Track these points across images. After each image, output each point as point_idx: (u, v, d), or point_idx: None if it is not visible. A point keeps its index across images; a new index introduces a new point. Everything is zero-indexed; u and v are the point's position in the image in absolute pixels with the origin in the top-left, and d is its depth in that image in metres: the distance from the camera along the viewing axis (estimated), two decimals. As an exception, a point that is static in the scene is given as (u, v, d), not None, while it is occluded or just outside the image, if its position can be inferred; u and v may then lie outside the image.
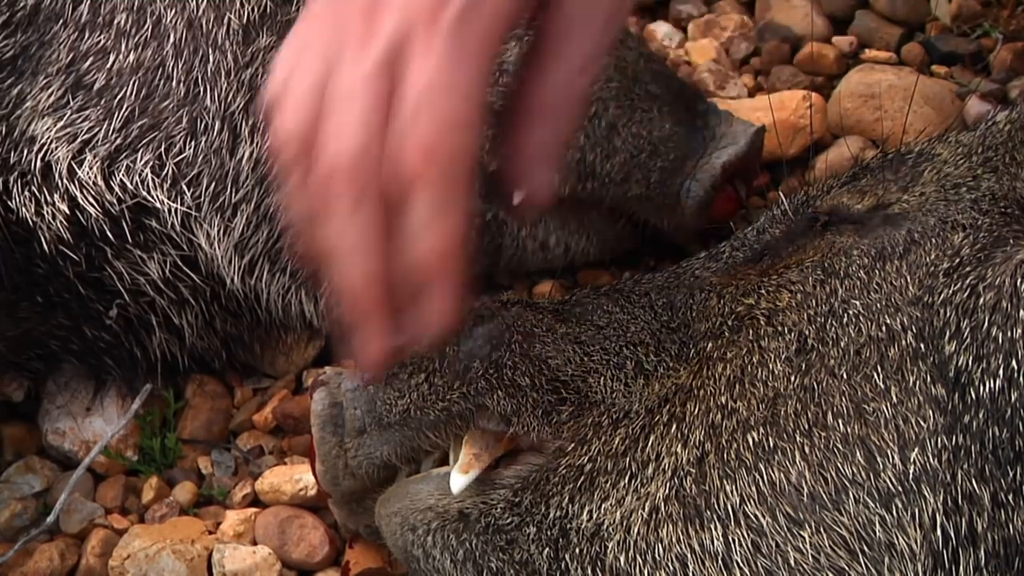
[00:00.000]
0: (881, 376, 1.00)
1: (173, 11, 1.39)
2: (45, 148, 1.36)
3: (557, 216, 1.49)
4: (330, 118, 1.04)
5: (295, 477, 1.37)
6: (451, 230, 1.02)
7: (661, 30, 1.82)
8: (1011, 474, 0.95)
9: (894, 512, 0.96)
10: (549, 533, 1.07)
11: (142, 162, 1.37)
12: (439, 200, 1.01)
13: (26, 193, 1.36)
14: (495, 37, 1.06)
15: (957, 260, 1.05)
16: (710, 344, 1.11)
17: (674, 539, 1.01)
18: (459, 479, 1.13)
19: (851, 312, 1.05)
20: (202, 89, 1.38)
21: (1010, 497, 0.94)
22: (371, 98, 1.03)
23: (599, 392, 1.12)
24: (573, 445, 1.10)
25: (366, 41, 1.05)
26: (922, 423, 0.97)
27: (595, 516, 1.05)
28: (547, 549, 1.07)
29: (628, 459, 1.06)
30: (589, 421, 1.10)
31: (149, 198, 1.37)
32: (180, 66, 1.38)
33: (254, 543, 1.35)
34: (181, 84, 1.38)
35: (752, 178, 1.55)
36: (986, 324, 0.99)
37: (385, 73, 1.03)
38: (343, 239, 1.02)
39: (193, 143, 1.38)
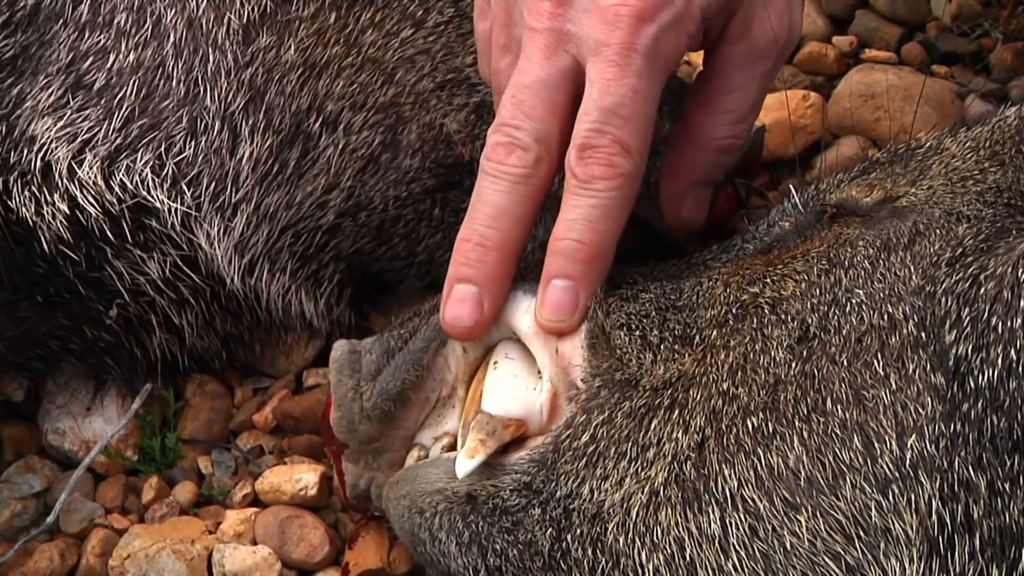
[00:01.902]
0: (881, 364, 1.00)
1: (173, 11, 1.39)
2: (45, 148, 1.36)
3: (556, 216, 1.49)
4: (510, 101, 1.20)
5: (295, 477, 1.37)
6: (605, 234, 1.18)
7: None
8: (1008, 463, 0.94)
9: (891, 498, 0.96)
10: (553, 514, 1.08)
11: (142, 162, 1.37)
12: (607, 206, 1.17)
13: (26, 193, 1.36)
14: (671, 68, 1.22)
15: (960, 250, 1.05)
16: (715, 332, 1.11)
17: (672, 522, 1.01)
18: (465, 463, 1.13)
19: (854, 301, 1.05)
20: (202, 89, 1.38)
21: (1007, 486, 0.94)
22: (556, 95, 1.19)
23: (617, 345, 1.13)
24: (579, 425, 1.11)
25: (555, 35, 1.20)
26: (921, 410, 0.97)
27: (596, 497, 1.06)
28: (550, 530, 1.08)
29: (630, 442, 1.07)
30: (595, 403, 1.11)
31: (149, 198, 1.37)
32: (180, 66, 1.39)
33: (254, 543, 1.34)
34: (181, 84, 1.39)
35: (753, 178, 1.55)
36: (987, 313, 0.99)
37: (571, 77, 1.19)
38: (493, 199, 1.19)
39: (193, 143, 1.38)
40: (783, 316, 1.08)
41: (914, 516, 0.95)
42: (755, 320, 1.09)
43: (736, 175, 1.50)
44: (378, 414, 1.22)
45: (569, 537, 1.06)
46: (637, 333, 1.14)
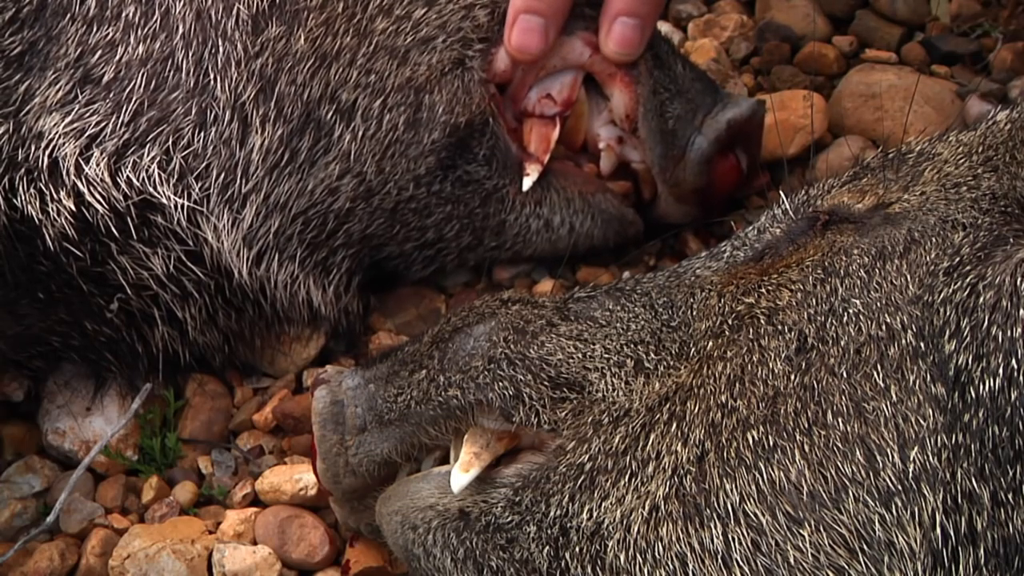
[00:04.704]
0: (881, 375, 1.00)
1: (182, 2, 1.40)
2: (52, 144, 1.36)
3: (562, 194, 1.50)
4: None
5: (295, 477, 1.37)
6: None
7: (661, 29, 1.82)
8: (1011, 473, 0.95)
9: (894, 511, 0.96)
10: (549, 532, 1.07)
11: (149, 157, 1.37)
12: None
13: (31, 190, 1.36)
14: None
15: (957, 259, 1.05)
16: (710, 343, 1.10)
17: (674, 538, 1.01)
18: (460, 477, 1.13)
19: (851, 311, 1.05)
20: (212, 79, 1.39)
21: (1010, 496, 0.94)
22: None
23: (600, 390, 1.12)
24: (574, 443, 1.10)
25: None
26: (922, 422, 0.97)
27: (595, 515, 1.05)
28: (547, 548, 1.07)
29: (628, 458, 1.06)
30: (590, 419, 1.11)
31: (155, 194, 1.37)
32: (189, 56, 1.39)
33: (254, 543, 1.35)
34: (190, 75, 1.39)
35: (754, 149, 1.56)
36: (986, 323, 0.99)
37: None
38: None
39: (202, 134, 1.38)
40: (780, 327, 1.07)
41: (917, 529, 0.95)
42: (751, 331, 1.09)
43: (738, 142, 1.51)
44: (363, 471, 1.22)
45: (568, 555, 1.06)
46: (622, 366, 1.14)
